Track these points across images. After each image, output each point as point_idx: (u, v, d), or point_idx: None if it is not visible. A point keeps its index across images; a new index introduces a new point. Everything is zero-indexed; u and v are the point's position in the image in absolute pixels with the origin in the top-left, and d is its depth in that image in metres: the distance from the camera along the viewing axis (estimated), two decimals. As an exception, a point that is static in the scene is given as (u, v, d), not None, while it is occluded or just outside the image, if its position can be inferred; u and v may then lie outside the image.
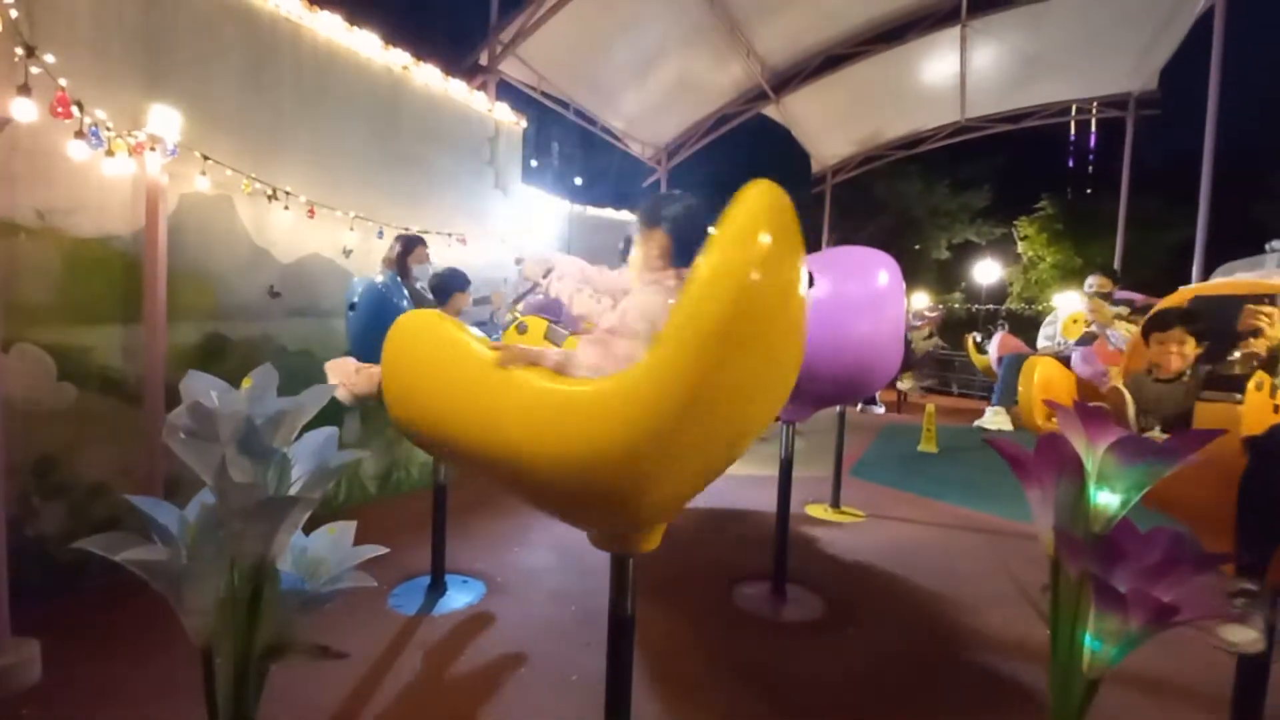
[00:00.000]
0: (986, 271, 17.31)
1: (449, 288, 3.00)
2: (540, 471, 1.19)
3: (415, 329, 1.42)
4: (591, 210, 7.50)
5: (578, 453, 1.14)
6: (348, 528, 1.20)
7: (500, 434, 1.21)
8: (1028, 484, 1.61)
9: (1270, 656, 1.67)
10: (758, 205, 1.10)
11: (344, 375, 2.58)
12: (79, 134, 2.56)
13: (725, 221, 1.10)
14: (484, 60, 6.58)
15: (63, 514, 2.66)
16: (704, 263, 1.08)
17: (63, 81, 2.50)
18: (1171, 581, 1.34)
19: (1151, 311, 2.48)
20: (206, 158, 3.07)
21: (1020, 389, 3.40)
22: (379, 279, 2.86)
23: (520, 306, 3.73)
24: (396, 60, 4.24)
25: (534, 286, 2.74)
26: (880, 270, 2.84)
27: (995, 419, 4.11)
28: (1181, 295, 2.63)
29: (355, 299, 2.90)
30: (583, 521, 1.45)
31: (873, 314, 2.83)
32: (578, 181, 22.86)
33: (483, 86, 6.06)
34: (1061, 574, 1.52)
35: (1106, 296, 3.96)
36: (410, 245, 3.09)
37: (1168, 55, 8.18)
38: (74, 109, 2.54)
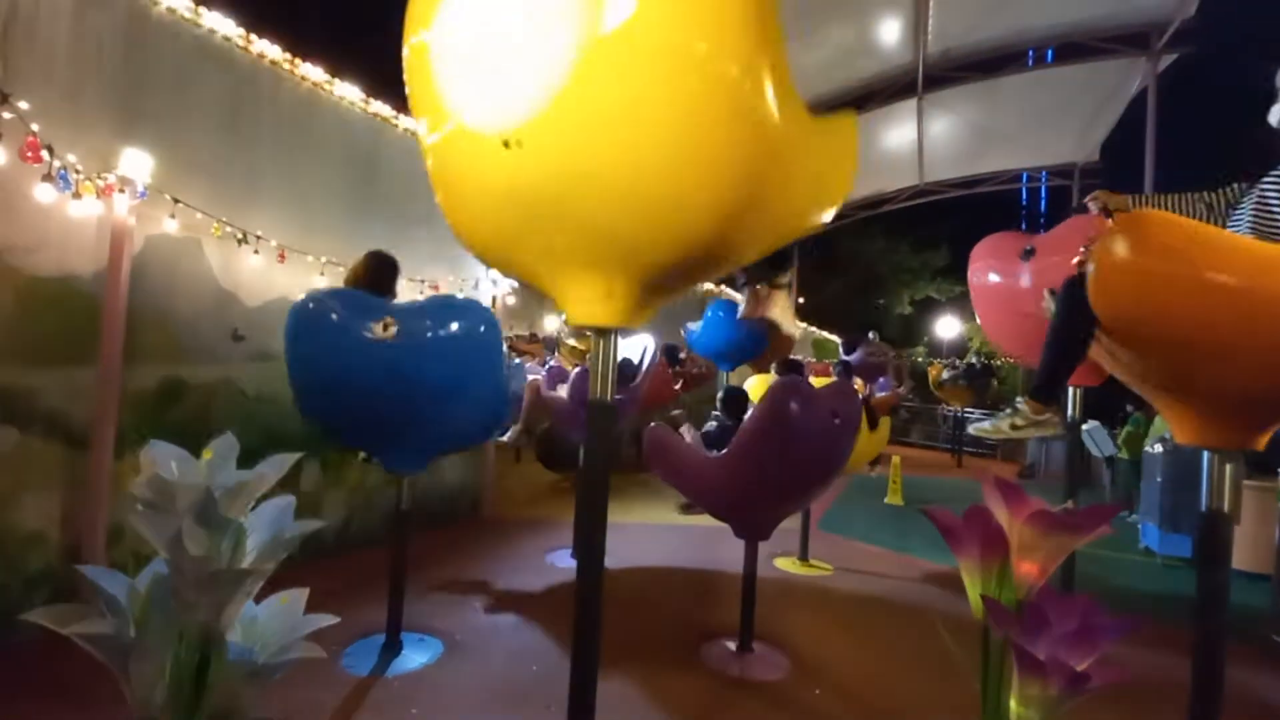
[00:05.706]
0: (947, 327, 17.85)
1: None
2: None
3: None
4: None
5: None
6: (299, 595, 1.17)
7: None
8: (958, 552, 1.67)
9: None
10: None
11: None
12: (47, 177, 2.54)
13: None
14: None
15: (-6, 565, 2.52)
16: None
17: (35, 127, 2.49)
18: (1087, 648, 1.40)
19: None
20: (177, 200, 3.06)
21: None
22: (455, 295, 2.28)
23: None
24: (377, 111, 4.32)
25: None
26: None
27: None
28: None
29: (394, 325, 2.15)
30: None
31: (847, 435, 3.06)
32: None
33: (461, 137, 6.17)
34: (990, 639, 1.57)
35: None
36: (396, 268, 2.84)
37: (1107, 130, 8.82)
38: (44, 153, 2.52)
